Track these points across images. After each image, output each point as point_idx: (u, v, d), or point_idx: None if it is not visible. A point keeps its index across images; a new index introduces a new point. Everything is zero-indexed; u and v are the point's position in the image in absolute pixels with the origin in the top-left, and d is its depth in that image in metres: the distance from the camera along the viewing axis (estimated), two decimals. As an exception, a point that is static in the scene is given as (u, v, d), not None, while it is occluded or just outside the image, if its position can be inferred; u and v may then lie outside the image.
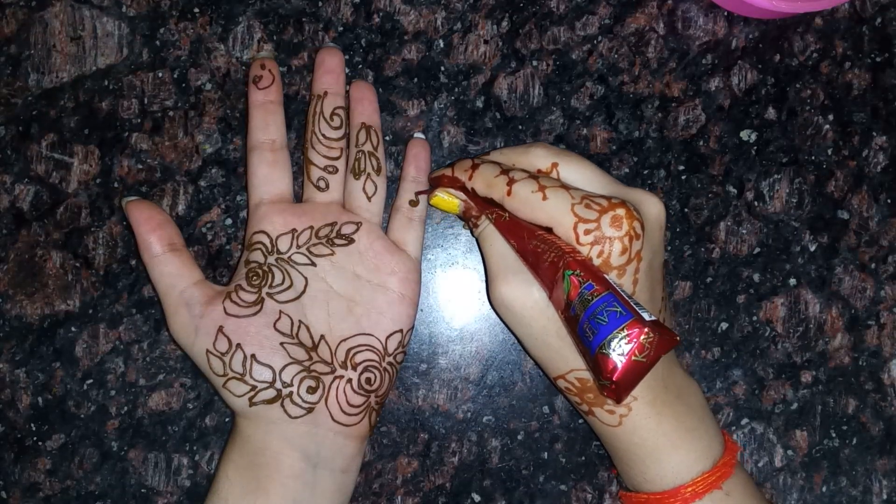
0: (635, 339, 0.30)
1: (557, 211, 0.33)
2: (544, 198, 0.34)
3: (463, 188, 0.37)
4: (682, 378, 0.37)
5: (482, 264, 0.38)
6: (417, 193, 0.40)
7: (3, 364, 0.41)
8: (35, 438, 0.41)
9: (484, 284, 0.42)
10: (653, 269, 0.35)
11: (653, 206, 0.35)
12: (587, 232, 0.33)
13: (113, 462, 0.41)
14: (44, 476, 0.41)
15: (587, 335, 0.32)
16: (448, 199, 0.37)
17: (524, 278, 0.35)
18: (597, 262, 0.33)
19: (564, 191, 0.34)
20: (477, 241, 0.38)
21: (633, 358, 0.30)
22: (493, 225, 0.36)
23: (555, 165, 0.36)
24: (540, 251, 0.34)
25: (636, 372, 0.31)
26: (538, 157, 0.36)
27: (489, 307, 0.42)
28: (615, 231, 0.33)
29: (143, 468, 0.41)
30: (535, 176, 0.35)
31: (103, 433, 0.41)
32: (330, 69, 0.39)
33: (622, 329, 0.31)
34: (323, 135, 0.39)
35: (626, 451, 0.36)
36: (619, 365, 0.30)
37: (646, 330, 0.30)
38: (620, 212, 0.33)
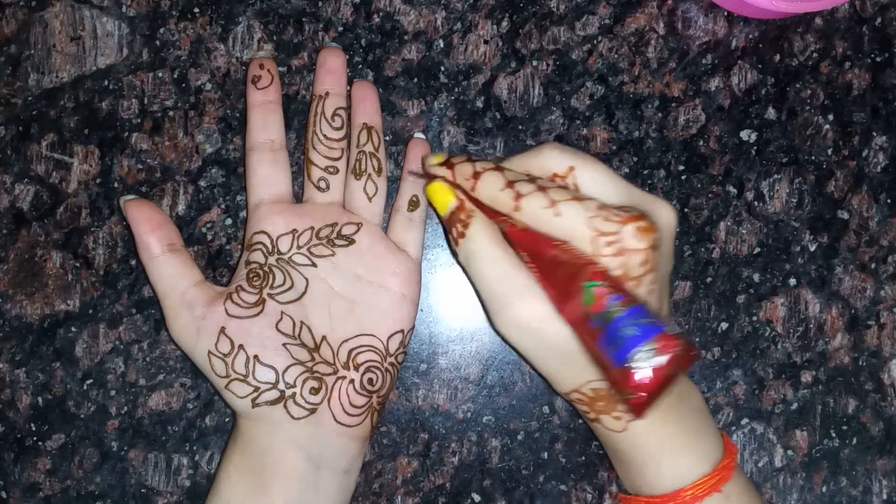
0: (667, 352, 0.30)
1: (574, 224, 0.32)
2: (557, 213, 0.32)
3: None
4: (682, 381, 0.37)
5: (476, 286, 0.35)
6: (411, 173, 0.39)
7: (3, 364, 0.41)
8: (35, 438, 0.41)
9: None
10: (663, 277, 0.34)
11: (665, 214, 0.34)
12: (609, 244, 0.32)
13: (113, 462, 0.41)
14: (44, 476, 0.41)
15: (611, 348, 0.31)
16: (445, 191, 0.35)
17: (539, 294, 0.33)
18: (616, 273, 0.32)
19: (578, 203, 0.32)
20: (461, 261, 0.35)
21: (664, 372, 0.30)
22: (506, 233, 0.34)
23: (571, 169, 0.34)
24: (557, 261, 0.32)
25: (663, 385, 0.30)
26: (552, 160, 0.34)
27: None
28: (637, 243, 0.31)
29: (143, 468, 0.41)
30: (543, 187, 0.33)
31: (103, 433, 0.41)
32: (331, 69, 0.39)
33: (653, 341, 0.30)
34: (324, 135, 0.39)
35: (628, 454, 0.36)
36: (649, 378, 0.30)
37: (678, 342, 0.30)
38: (642, 224, 0.31)
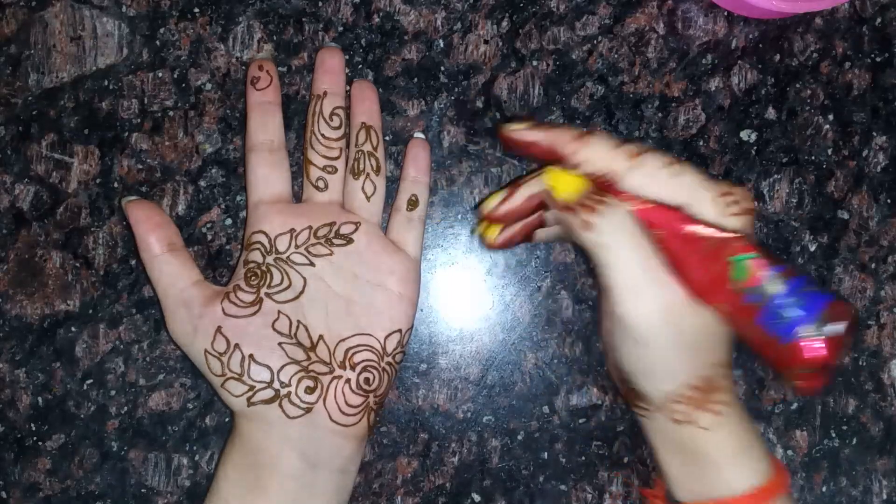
0: (844, 321, 0.29)
1: (693, 183, 0.31)
2: (675, 173, 0.31)
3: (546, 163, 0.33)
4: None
5: (601, 267, 0.33)
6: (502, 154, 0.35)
7: (3, 364, 0.41)
8: (35, 438, 0.41)
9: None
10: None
11: None
12: (733, 203, 0.31)
13: (113, 462, 0.41)
14: (44, 476, 0.41)
15: (775, 323, 0.29)
16: (572, 178, 0.32)
17: (668, 283, 0.32)
18: (744, 232, 0.31)
19: (688, 166, 0.32)
20: (592, 243, 0.32)
21: (840, 341, 0.29)
22: (636, 212, 0.32)
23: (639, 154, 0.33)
24: (694, 238, 0.31)
25: (839, 353, 0.29)
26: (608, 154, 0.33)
27: (489, 307, 0.42)
28: (751, 203, 0.31)
29: (143, 468, 0.41)
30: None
31: (103, 433, 0.41)
32: (330, 69, 0.39)
33: (827, 311, 0.29)
34: (322, 135, 0.39)
35: (708, 454, 0.35)
36: (825, 350, 0.29)
37: (847, 309, 0.29)
38: (744, 188, 0.32)
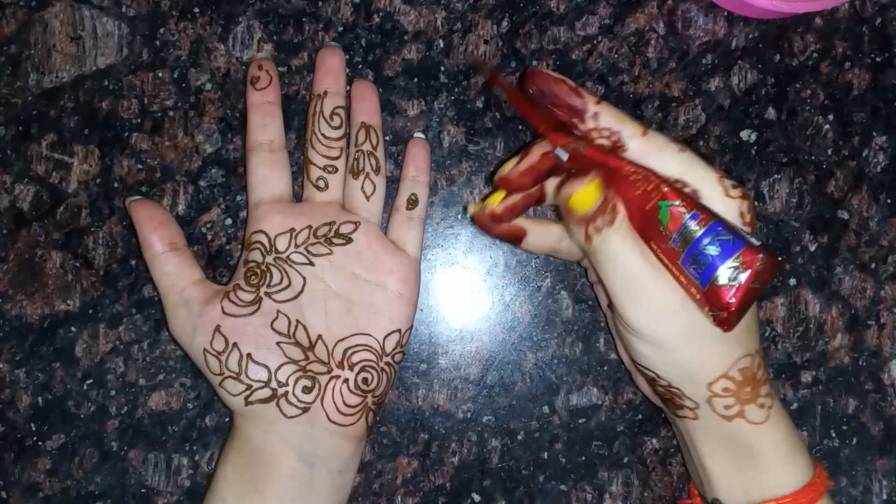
0: (750, 267, 0.30)
1: (698, 162, 0.33)
2: (682, 150, 0.33)
3: (568, 130, 0.34)
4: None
5: (605, 277, 0.34)
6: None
7: (3, 364, 0.41)
8: (35, 438, 0.41)
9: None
10: None
11: None
12: (734, 186, 0.33)
13: (113, 462, 0.41)
14: (44, 476, 0.41)
15: (695, 267, 0.31)
16: (592, 189, 0.33)
17: (669, 282, 0.33)
18: (747, 216, 0.33)
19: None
20: (597, 252, 0.34)
21: (750, 285, 0.31)
22: (572, 154, 0.33)
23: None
24: (641, 177, 0.32)
25: (750, 299, 0.31)
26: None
27: (489, 307, 0.42)
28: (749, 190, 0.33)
29: (143, 468, 0.41)
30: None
31: (103, 433, 0.41)
32: (330, 69, 0.39)
33: (737, 257, 0.30)
34: (322, 134, 0.39)
35: (761, 450, 0.35)
36: (735, 294, 0.30)
37: (760, 256, 0.30)
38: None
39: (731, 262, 0.31)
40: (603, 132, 0.33)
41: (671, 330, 0.33)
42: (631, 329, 0.34)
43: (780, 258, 0.31)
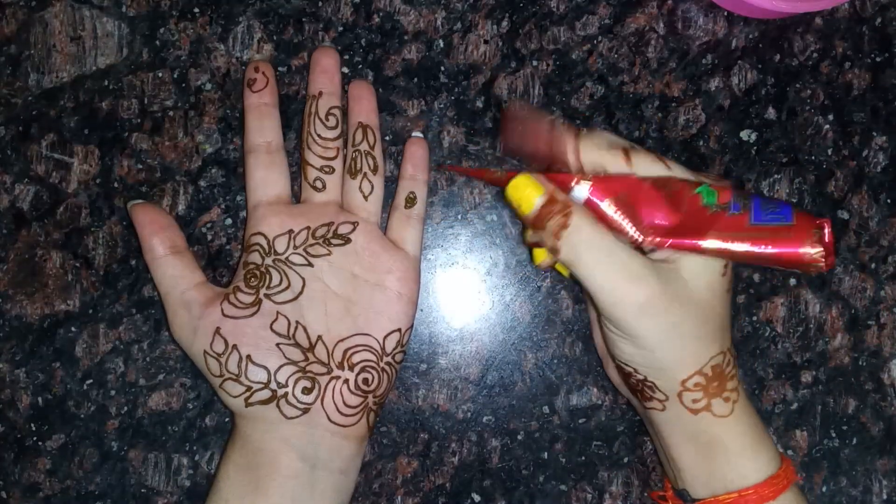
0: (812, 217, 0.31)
1: (687, 178, 0.34)
2: (668, 167, 0.33)
3: (548, 161, 0.34)
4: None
5: (581, 281, 0.34)
6: (443, 167, 0.38)
7: (3, 364, 0.41)
8: (35, 438, 0.41)
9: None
10: None
11: None
12: None
13: (113, 462, 0.41)
14: (44, 476, 0.41)
15: (772, 210, 0.31)
16: (532, 185, 0.33)
17: (658, 276, 0.33)
18: None
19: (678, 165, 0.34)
20: (564, 256, 0.33)
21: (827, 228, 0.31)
22: (593, 186, 0.33)
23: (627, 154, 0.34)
24: (658, 185, 0.32)
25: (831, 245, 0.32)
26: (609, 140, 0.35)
27: (489, 307, 0.42)
28: None
29: (143, 468, 0.41)
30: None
31: (103, 433, 0.41)
32: (325, 69, 0.39)
33: (796, 209, 0.31)
34: (318, 135, 0.39)
35: (726, 443, 0.35)
36: (826, 227, 0.31)
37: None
38: (727, 182, 0.34)
39: (797, 209, 0.31)
40: (588, 171, 0.34)
41: (651, 329, 0.34)
42: (611, 328, 0.34)
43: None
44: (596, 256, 0.33)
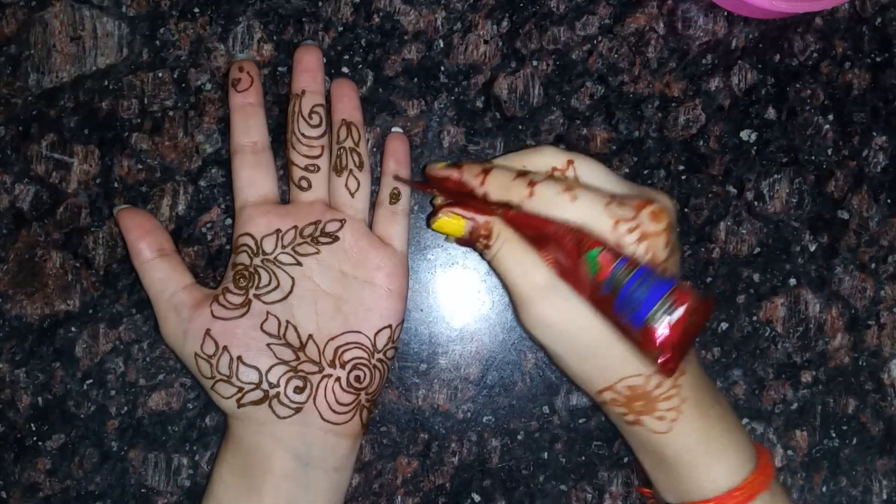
0: (683, 305, 0.30)
1: (591, 210, 0.33)
2: (574, 198, 0.33)
3: (464, 195, 0.36)
4: (711, 381, 0.37)
5: (504, 287, 0.37)
6: (398, 178, 0.39)
7: (3, 364, 0.41)
8: (35, 438, 0.41)
9: (496, 296, 0.42)
10: (677, 263, 0.35)
11: (665, 202, 0.35)
12: (631, 230, 0.32)
13: (113, 462, 0.41)
14: (44, 476, 0.41)
15: (628, 310, 0.31)
16: (453, 221, 0.36)
17: (562, 292, 0.34)
18: (645, 258, 0.32)
19: (592, 191, 0.33)
20: (491, 263, 0.36)
21: (686, 322, 0.31)
22: (503, 219, 0.35)
23: (570, 163, 0.35)
24: (560, 233, 0.33)
25: (687, 338, 0.31)
26: (550, 156, 0.35)
27: (489, 307, 0.42)
28: (657, 225, 0.32)
29: (143, 468, 0.41)
30: (554, 177, 0.34)
31: (103, 433, 0.41)
32: (307, 67, 0.39)
33: (669, 296, 0.31)
34: (302, 134, 0.39)
35: (674, 457, 0.35)
36: (670, 333, 0.30)
37: (689, 294, 0.30)
38: (654, 207, 0.33)
39: (662, 301, 0.31)
40: (498, 206, 0.35)
41: (556, 339, 0.35)
42: (535, 323, 0.35)
43: (711, 303, 0.31)
44: (507, 267, 0.35)
